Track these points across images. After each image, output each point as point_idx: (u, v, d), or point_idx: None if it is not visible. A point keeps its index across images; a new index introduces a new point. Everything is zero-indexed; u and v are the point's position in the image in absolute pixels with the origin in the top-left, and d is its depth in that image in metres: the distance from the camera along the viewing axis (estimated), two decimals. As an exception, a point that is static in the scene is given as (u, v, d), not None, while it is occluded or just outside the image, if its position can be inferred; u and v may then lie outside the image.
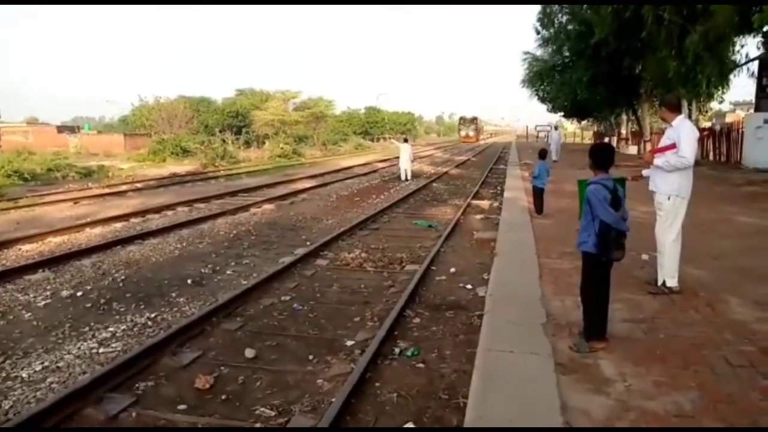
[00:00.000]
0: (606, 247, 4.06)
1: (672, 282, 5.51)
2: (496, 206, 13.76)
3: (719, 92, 24.28)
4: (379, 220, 12.23)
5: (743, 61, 20.13)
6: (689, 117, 35.89)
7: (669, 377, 3.74)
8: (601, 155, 4.32)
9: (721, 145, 24.99)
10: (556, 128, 32.71)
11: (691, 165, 5.34)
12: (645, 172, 5.80)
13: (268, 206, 14.19)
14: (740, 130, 22.93)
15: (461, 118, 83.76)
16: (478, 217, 12.59)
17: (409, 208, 14.27)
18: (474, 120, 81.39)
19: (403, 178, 20.85)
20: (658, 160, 5.40)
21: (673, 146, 5.29)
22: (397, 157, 22.56)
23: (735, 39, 18.82)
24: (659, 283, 5.57)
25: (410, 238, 10.28)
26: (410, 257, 8.66)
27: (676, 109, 5.52)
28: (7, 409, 4.11)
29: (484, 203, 14.78)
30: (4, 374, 4.69)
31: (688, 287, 5.63)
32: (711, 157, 25.32)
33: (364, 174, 24.10)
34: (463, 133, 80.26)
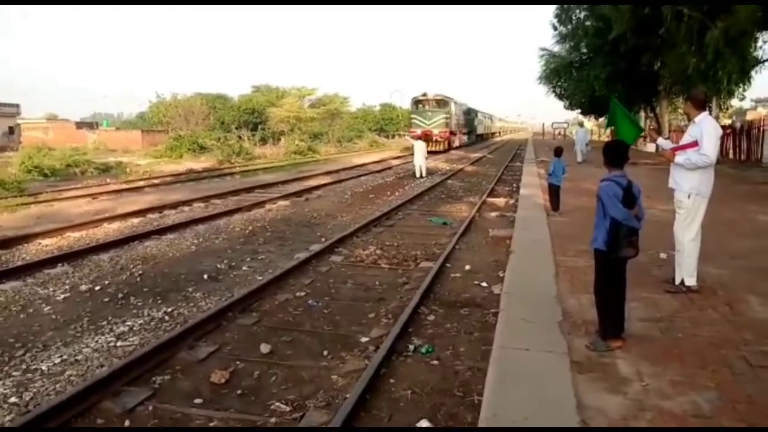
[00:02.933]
0: (616, 244, 4.02)
1: (691, 281, 5.44)
2: (512, 204, 13.68)
3: (740, 89, 23.92)
4: (393, 217, 12.22)
5: (766, 57, 19.80)
6: (709, 114, 35.42)
7: (687, 377, 3.70)
8: (615, 153, 4.29)
9: (741, 143, 24.63)
10: (581, 125, 29.57)
11: (713, 163, 5.26)
12: (660, 141, 5.92)
13: (283, 203, 14.25)
14: (762, 128, 22.57)
15: (414, 101, 39.85)
16: (494, 214, 12.54)
17: (423, 205, 14.25)
18: (444, 103, 39.14)
19: (417, 174, 20.82)
20: (679, 157, 5.32)
21: (694, 144, 5.21)
22: (412, 154, 22.54)
23: (757, 35, 18.51)
24: (677, 282, 5.50)
25: (425, 235, 10.27)
26: (425, 254, 8.65)
27: (702, 106, 5.43)
28: (28, 401, 4.18)
29: (500, 201, 14.70)
30: (24, 366, 4.77)
31: (707, 286, 5.56)
32: (731, 155, 24.96)
33: (379, 171, 24.09)
34: (418, 131, 36.61)
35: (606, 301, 4.20)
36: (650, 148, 32.65)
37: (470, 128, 51.75)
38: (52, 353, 5.04)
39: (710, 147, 5.15)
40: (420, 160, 21.00)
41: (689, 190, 5.32)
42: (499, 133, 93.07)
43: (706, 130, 5.19)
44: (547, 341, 4.26)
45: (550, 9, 30.63)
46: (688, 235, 5.37)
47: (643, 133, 5.62)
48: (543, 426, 3.11)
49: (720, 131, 5.42)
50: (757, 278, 5.95)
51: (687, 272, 5.44)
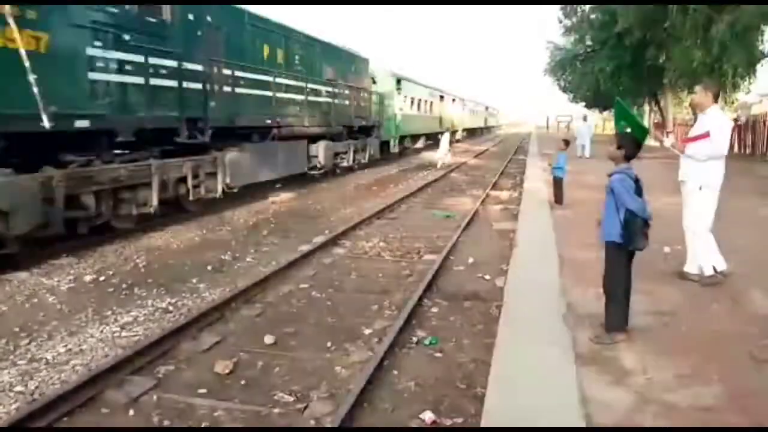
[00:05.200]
0: (632, 235, 4.02)
1: (710, 269, 5.40)
2: (516, 197, 13.66)
3: (746, 83, 23.81)
4: (396, 209, 12.22)
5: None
6: (714, 108, 35.29)
7: (691, 370, 3.70)
8: (635, 145, 4.31)
9: (746, 136, 24.53)
10: (585, 119, 27.00)
11: (724, 155, 5.24)
12: (666, 142, 5.93)
13: (286, 195, 14.23)
14: (766, 122, 22.47)
15: None
16: (497, 207, 12.52)
17: (427, 198, 14.24)
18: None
19: (438, 165, 20.96)
20: (690, 149, 5.29)
21: (705, 135, 5.18)
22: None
23: (764, 28, 18.39)
24: (694, 270, 5.48)
25: (428, 228, 10.26)
26: (428, 247, 8.65)
27: (716, 98, 5.43)
28: (33, 390, 4.19)
29: (503, 194, 14.69)
30: (29, 356, 4.79)
31: (711, 280, 5.54)
32: (735, 149, 24.88)
33: (382, 165, 24.04)
34: None
35: (616, 294, 4.19)
36: (652, 142, 32.52)
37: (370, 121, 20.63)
38: (57, 343, 5.06)
39: (721, 139, 5.14)
40: (442, 151, 21.29)
41: (700, 183, 5.29)
42: (485, 129, 66.00)
43: (717, 123, 5.17)
44: (551, 334, 4.26)
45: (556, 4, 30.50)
46: (701, 227, 5.33)
47: (648, 134, 5.53)
48: (547, 419, 3.11)
49: (731, 124, 5.41)
50: (761, 272, 5.93)
51: (702, 262, 5.40)
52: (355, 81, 18.85)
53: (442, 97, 35.95)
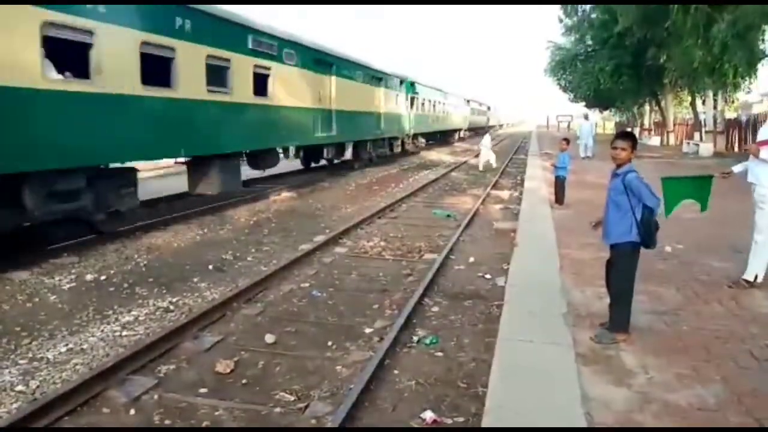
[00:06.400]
0: (650, 234, 4.01)
1: (752, 276, 5.31)
2: (516, 196, 13.66)
3: (747, 82, 23.77)
4: (397, 209, 12.22)
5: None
6: (714, 107, 35.25)
7: (692, 370, 3.70)
8: (636, 142, 4.30)
9: (747, 136, 24.49)
10: (586, 118, 26.03)
11: None
12: (735, 169, 5.58)
13: (287, 194, 14.23)
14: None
15: None
16: (498, 207, 12.52)
17: (427, 197, 14.24)
18: None
19: (495, 166, 21.39)
20: (765, 153, 5.16)
21: None
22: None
23: (765, 27, 18.35)
24: (750, 277, 5.34)
25: (429, 227, 10.26)
26: (429, 246, 8.65)
27: None
28: (34, 389, 4.20)
29: (504, 193, 14.68)
30: (30, 355, 4.79)
31: (712, 280, 5.55)
32: (737, 149, 24.85)
33: (383, 163, 24.02)
34: None
35: (624, 294, 4.17)
36: (653, 141, 32.50)
37: None
38: (58, 342, 5.07)
39: None
40: (486, 153, 21.70)
41: None
42: (468, 131, 47.57)
43: None
44: (552, 333, 4.26)
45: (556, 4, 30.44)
46: None
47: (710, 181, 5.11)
48: (548, 417, 3.11)
49: None
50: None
51: (760, 267, 5.30)
52: None
53: (379, 80, 21.54)
